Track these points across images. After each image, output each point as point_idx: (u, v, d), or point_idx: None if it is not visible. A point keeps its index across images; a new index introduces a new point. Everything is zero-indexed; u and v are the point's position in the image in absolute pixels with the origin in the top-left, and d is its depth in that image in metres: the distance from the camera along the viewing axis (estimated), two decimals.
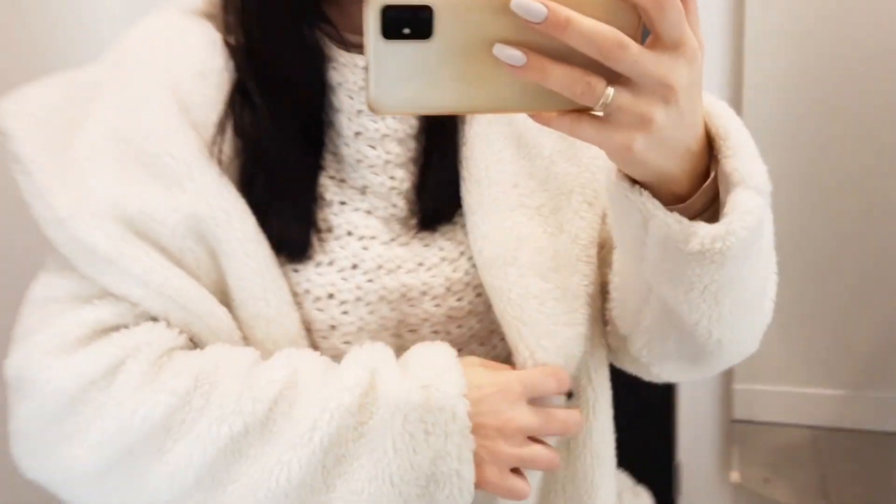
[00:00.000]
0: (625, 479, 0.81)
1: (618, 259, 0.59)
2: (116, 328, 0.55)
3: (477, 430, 0.52)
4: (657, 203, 0.45)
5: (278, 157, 0.57)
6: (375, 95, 0.40)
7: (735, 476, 1.59)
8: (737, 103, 1.37)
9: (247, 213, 0.56)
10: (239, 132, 0.57)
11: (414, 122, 0.58)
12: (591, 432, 0.64)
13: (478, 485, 0.52)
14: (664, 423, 1.57)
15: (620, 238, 0.53)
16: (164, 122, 0.55)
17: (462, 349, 0.60)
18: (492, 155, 0.58)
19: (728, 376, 1.52)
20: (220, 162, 0.56)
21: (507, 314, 0.57)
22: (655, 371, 0.62)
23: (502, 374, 0.55)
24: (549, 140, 0.60)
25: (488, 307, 0.59)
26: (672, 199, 0.45)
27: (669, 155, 0.43)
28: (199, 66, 0.57)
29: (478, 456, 0.52)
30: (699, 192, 0.46)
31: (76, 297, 0.55)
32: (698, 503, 1.61)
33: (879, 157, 1.28)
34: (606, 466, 0.67)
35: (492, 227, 0.57)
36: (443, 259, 0.59)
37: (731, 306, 0.50)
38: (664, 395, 1.55)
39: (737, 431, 1.55)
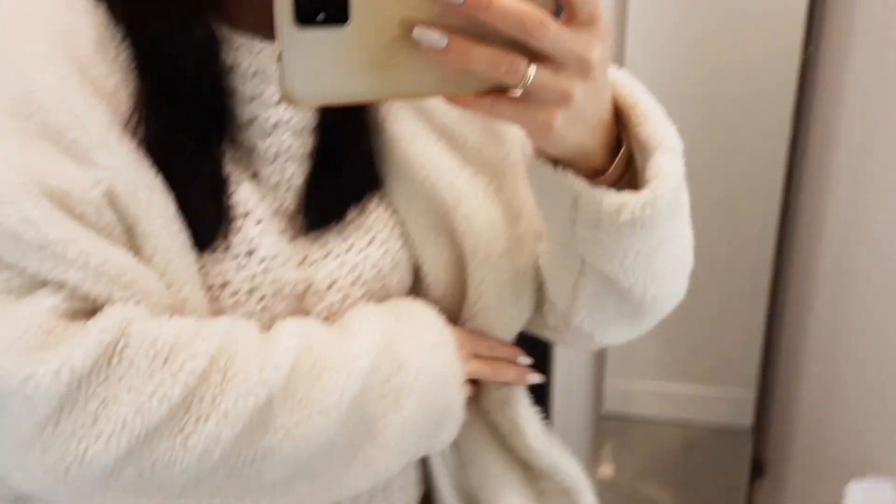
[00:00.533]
0: None
1: (547, 239, 0.57)
2: (75, 314, 0.49)
3: None
4: (583, 181, 0.45)
5: (172, 144, 0.52)
6: (290, 86, 0.37)
7: (608, 471, 1.61)
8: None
9: (166, 192, 0.51)
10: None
11: (310, 115, 0.55)
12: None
13: None
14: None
15: (549, 218, 0.53)
16: (65, 94, 0.49)
17: None
18: (417, 151, 0.56)
19: (599, 371, 1.54)
20: (135, 137, 0.51)
21: (467, 301, 0.59)
22: (598, 338, 0.61)
23: (457, 330, 0.58)
24: (471, 129, 0.57)
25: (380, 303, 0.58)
26: (590, 174, 0.46)
27: (587, 129, 0.43)
28: (97, 34, 0.51)
29: None
30: (615, 162, 0.47)
31: (9, 290, 0.48)
32: None
33: (736, 152, 1.30)
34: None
35: (442, 221, 0.56)
36: (327, 255, 0.56)
37: (663, 263, 0.52)
38: (537, 392, 1.56)
39: (610, 427, 1.58)
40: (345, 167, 0.56)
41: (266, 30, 0.51)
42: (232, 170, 0.54)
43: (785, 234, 1.18)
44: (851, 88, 1.03)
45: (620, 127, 0.47)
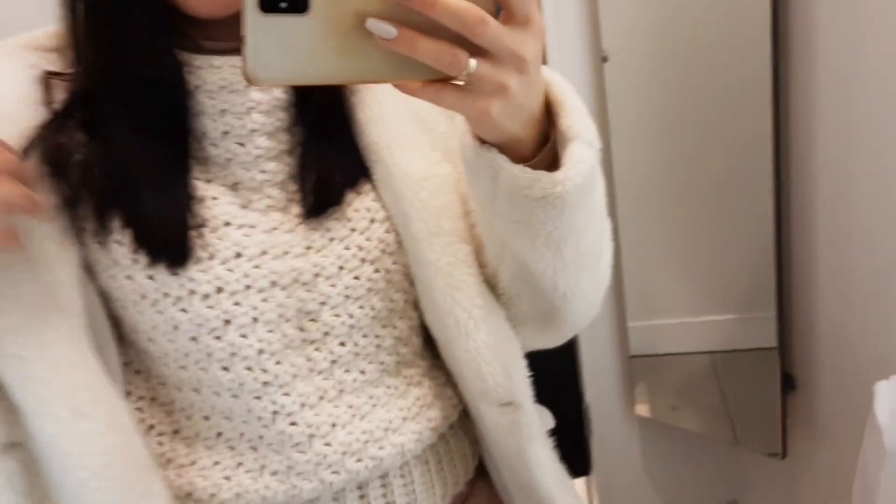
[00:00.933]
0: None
1: (477, 220, 0.61)
2: None
3: None
4: (505, 158, 0.49)
5: (139, 168, 0.55)
6: (252, 67, 0.41)
7: (643, 409, 1.66)
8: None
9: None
10: (95, 148, 0.55)
11: (283, 116, 0.58)
12: None
13: None
14: (569, 372, 1.62)
15: (475, 195, 0.56)
16: None
17: (367, 333, 0.61)
18: (391, 133, 0.60)
19: (622, 315, 1.58)
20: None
21: (438, 282, 0.58)
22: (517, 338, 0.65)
23: None
24: (441, 120, 0.62)
25: (388, 283, 0.60)
26: (518, 161, 0.50)
27: (519, 120, 0.47)
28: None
29: None
30: (542, 153, 0.51)
31: None
32: (609, 440, 1.68)
33: (726, 103, 1.35)
34: None
35: (409, 204, 0.58)
36: (331, 239, 0.59)
37: (571, 255, 0.55)
38: (565, 346, 1.60)
39: (638, 367, 1.63)
40: (331, 157, 0.59)
41: (224, 46, 0.55)
42: (210, 187, 0.57)
43: (780, 156, 1.22)
44: None
45: (549, 122, 0.51)
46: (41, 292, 0.52)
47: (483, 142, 0.50)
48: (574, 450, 1.67)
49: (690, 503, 1.73)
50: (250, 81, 0.41)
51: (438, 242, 0.59)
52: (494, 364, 0.60)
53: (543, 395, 1.70)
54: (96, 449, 0.53)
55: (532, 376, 0.87)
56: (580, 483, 1.78)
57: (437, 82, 0.44)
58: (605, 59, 1.42)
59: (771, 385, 1.32)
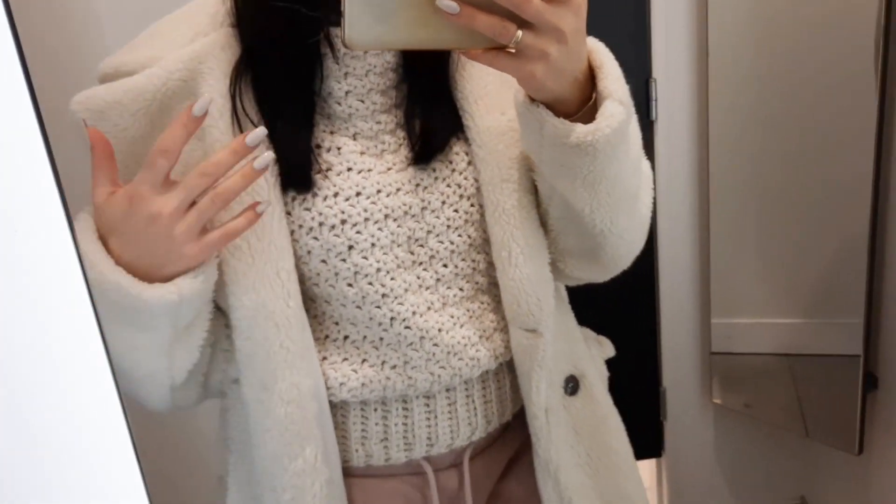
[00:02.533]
0: (588, 331, 0.93)
1: (533, 167, 0.71)
2: None
3: None
4: (549, 112, 0.60)
5: (284, 115, 0.66)
6: (349, 35, 0.53)
7: (719, 399, 1.70)
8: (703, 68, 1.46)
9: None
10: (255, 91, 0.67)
11: (392, 76, 0.69)
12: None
13: None
14: (649, 357, 1.68)
15: (526, 144, 0.66)
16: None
17: (465, 258, 0.72)
18: (480, 90, 0.70)
19: (706, 312, 1.62)
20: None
21: (502, 221, 0.69)
22: (561, 266, 0.76)
23: None
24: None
25: (481, 216, 0.71)
26: (564, 116, 0.60)
27: (562, 81, 0.58)
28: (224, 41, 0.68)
29: None
30: (583, 110, 0.61)
31: None
32: (683, 424, 1.73)
33: (827, 104, 1.36)
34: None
35: (488, 152, 0.69)
36: (436, 179, 0.70)
37: (605, 196, 0.65)
38: (648, 333, 1.66)
39: (719, 363, 1.67)
40: (432, 109, 0.70)
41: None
42: (335, 138, 0.69)
43: (881, 160, 1.24)
44: None
45: (593, 87, 0.61)
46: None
47: (532, 100, 0.60)
48: (648, 431, 1.73)
49: (758, 494, 1.76)
50: (347, 46, 0.53)
51: (507, 188, 0.69)
52: (531, 294, 0.70)
53: (623, 372, 1.77)
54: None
55: (612, 360, 0.96)
56: (651, 464, 1.84)
57: (492, 50, 0.55)
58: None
59: (850, 385, 1.35)
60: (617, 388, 1.47)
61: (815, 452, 1.64)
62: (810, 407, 1.52)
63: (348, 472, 0.74)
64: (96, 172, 0.59)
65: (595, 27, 1.67)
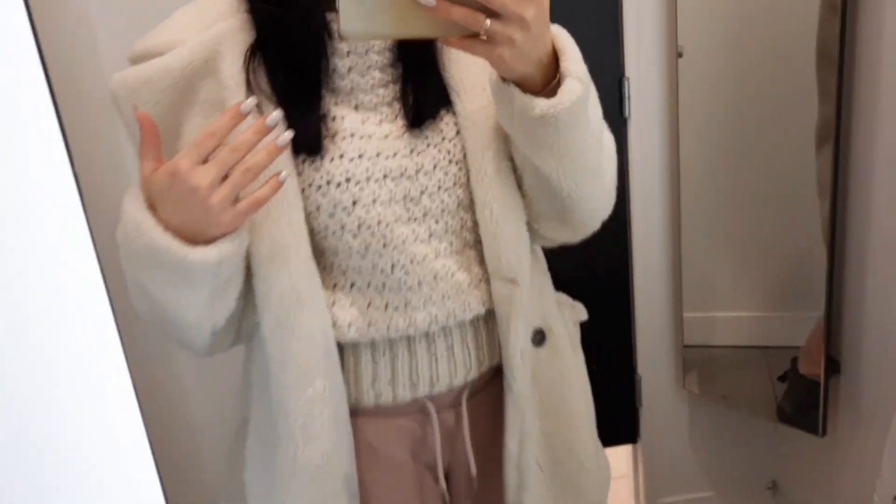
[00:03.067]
0: (564, 296, 1.02)
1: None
2: None
3: None
4: (517, 89, 0.69)
5: (289, 96, 0.76)
6: (343, 28, 0.63)
7: (693, 387, 1.75)
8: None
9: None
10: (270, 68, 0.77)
11: (389, 55, 0.79)
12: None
13: None
14: (625, 347, 1.73)
15: (500, 117, 0.76)
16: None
17: (454, 216, 0.81)
18: (463, 71, 0.80)
19: (678, 306, 1.68)
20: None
21: (484, 184, 0.79)
22: (535, 227, 0.85)
23: None
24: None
25: (467, 179, 0.81)
26: (532, 93, 0.69)
27: (527, 63, 0.67)
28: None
29: None
30: (548, 88, 0.70)
31: None
32: (658, 411, 1.78)
33: (795, 103, 1.41)
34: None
35: (472, 123, 0.79)
36: (428, 145, 0.80)
37: (570, 163, 0.75)
38: (623, 322, 1.71)
39: (689, 354, 1.72)
40: (423, 85, 0.80)
41: None
42: (339, 108, 0.79)
43: (840, 158, 1.30)
44: None
45: (556, 65, 0.70)
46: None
47: (504, 79, 0.70)
48: (625, 418, 1.79)
49: (732, 478, 1.83)
50: (343, 37, 0.65)
51: (487, 155, 0.79)
52: (510, 249, 0.80)
53: (598, 362, 1.82)
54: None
55: (591, 343, 1.03)
56: (627, 449, 1.89)
57: (466, 38, 0.65)
58: (679, 55, 1.51)
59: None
60: (593, 377, 1.52)
61: (786, 438, 1.71)
62: (780, 395, 1.58)
63: (360, 412, 0.84)
64: (144, 149, 0.68)
65: (569, 27, 1.74)
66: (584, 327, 1.11)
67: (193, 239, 0.68)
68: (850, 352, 1.40)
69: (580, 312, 1.02)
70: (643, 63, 1.55)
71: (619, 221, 1.65)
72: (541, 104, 0.68)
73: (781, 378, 1.54)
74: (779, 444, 1.76)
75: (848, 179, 1.32)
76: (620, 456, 1.98)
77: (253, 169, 0.67)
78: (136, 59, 0.76)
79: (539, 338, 0.88)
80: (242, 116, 0.67)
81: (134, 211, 0.69)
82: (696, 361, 1.72)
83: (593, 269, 1.65)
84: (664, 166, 1.62)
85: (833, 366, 1.42)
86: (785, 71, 1.40)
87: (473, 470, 0.89)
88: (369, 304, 0.81)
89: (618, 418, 1.80)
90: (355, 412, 0.84)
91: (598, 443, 1.02)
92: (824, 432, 1.43)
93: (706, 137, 1.54)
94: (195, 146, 0.66)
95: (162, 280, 0.71)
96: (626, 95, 1.56)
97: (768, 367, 1.63)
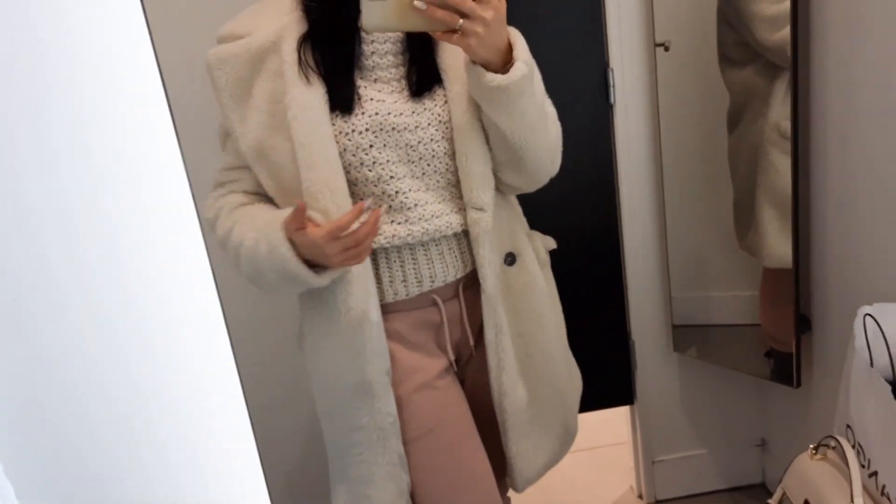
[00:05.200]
0: (536, 232, 1.27)
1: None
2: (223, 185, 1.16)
3: None
4: (483, 69, 0.98)
5: (332, 72, 1.05)
6: (364, 23, 0.92)
7: (679, 353, 1.89)
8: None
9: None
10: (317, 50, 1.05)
11: (399, 45, 1.08)
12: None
13: None
14: (618, 316, 1.87)
15: (470, 89, 1.03)
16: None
17: (441, 161, 1.08)
18: (451, 58, 1.08)
19: (666, 288, 1.82)
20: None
21: (463, 138, 1.07)
22: (499, 175, 1.11)
23: None
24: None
25: (451, 135, 1.08)
26: (493, 72, 0.98)
27: (489, 51, 0.96)
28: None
29: None
30: (504, 69, 0.99)
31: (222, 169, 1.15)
32: (651, 373, 1.92)
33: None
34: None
35: (455, 95, 1.07)
36: (425, 109, 1.07)
37: (519, 121, 1.03)
38: (617, 311, 1.85)
39: (680, 333, 1.85)
40: (424, 64, 1.08)
41: None
42: (364, 80, 1.07)
43: (799, 150, 1.43)
44: None
45: (511, 54, 0.99)
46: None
47: (473, 62, 0.98)
48: (621, 382, 1.93)
49: (723, 437, 1.97)
50: (364, 30, 0.97)
51: (465, 117, 1.06)
52: (479, 186, 1.09)
53: (594, 327, 1.97)
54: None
55: (581, 315, 1.24)
56: (626, 415, 2.03)
57: (447, 32, 0.93)
58: (666, 49, 1.64)
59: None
60: (591, 344, 1.64)
61: (773, 397, 1.84)
62: (763, 355, 1.70)
63: (390, 309, 1.13)
64: (295, 217, 0.98)
65: (557, 25, 1.94)
66: (580, 296, 1.25)
67: (313, 265, 1.02)
68: (819, 309, 1.53)
69: (550, 243, 1.27)
70: (626, 54, 1.69)
71: (608, 200, 1.80)
72: (497, 78, 0.97)
73: (767, 354, 1.66)
74: (766, 404, 1.90)
75: (808, 136, 1.46)
76: (620, 422, 2.13)
77: (363, 251, 0.99)
78: (223, 40, 1.07)
79: (510, 259, 1.17)
80: (361, 212, 0.96)
81: (277, 241, 1.00)
82: (684, 336, 1.85)
83: (588, 240, 1.79)
84: (649, 151, 1.76)
85: (804, 322, 1.56)
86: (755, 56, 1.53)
87: (472, 341, 1.18)
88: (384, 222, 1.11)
89: (615, 381, 1.94)
90: (387, 310, 1.12)
91: (570, 354, 1.30)
92: (798, 384, 1.56)
93: (684, 124, 1.67)
94: (333, 232, 0.96)
95: (280, 283, 1.04)
96: (612, 84, 1.70)
97: (749, 338, 1.73)
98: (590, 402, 1.76)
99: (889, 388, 1.11)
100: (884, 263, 1.29)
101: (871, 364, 1.18)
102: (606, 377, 1.92)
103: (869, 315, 1.19)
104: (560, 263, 1.36)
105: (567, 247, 1.29)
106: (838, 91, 1.34)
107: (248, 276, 1.08)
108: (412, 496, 1.15)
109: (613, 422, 2.21)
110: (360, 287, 1.08)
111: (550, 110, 1.12)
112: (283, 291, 1.07)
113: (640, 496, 2.04)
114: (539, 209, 1.32)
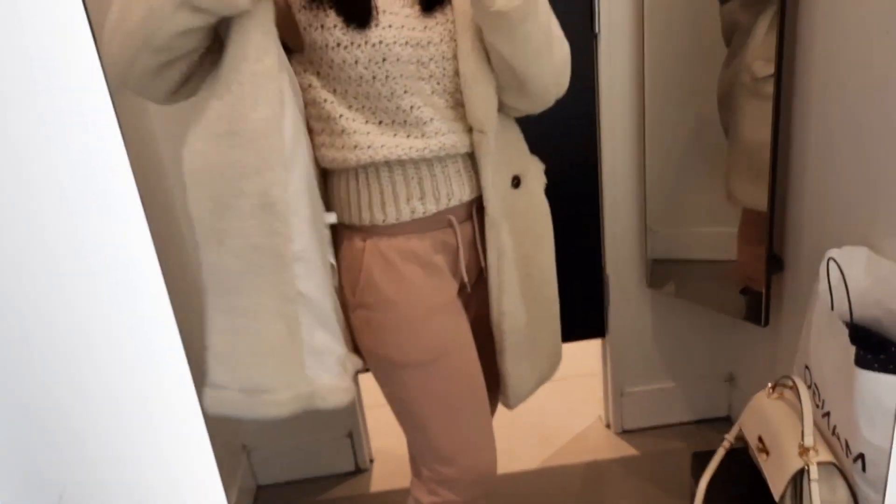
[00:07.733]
0: (534, 156, 1.28)
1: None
2: None
3: None
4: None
5: None
6: None
7: (654, 289, 1.90)
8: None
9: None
10: None
11: None
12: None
13: None
14: (594, 250, 1.88)
15: (475, 17, 1.03)
16: None
17: (451, 79, 1.09)
18: None
19: (642, 224, 1.81)
20: None
21: (468, 60, 1.08)
22: (503, 98, 1.12)
23: None
24: None
25: (460, 52, 1.09)
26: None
27: None
28: None
29: None
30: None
31: None
32: (624, 309, 1.94)
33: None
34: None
35: (460, 15, 1.08)
36: (436, 23, 1.08)
37: (522, 47, 1.03)
38: (592, 246, 1.85)
39: (656, 268, 1.86)
40: None
41: None
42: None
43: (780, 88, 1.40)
44: None
45: None
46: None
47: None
48: (594, 315, 1.95)
49: (692, 371, 2.00)
50: None
51: (468, 37, 1.07)
52: (481, 108, 1.09)
53: (569, 259, 1.97)
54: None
55: (562, 245, 1.22)
56: (597, 347, 2.06)
57: None
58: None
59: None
60: (565, 276, 1.65)
61: (741, 333, 1.87)
62: (731, 287, 1.71)
63: (405, 229, 1.13)
64: None
65: None
66: (556, 227, 1.25)
67: None
68: (792, 249, 1.54)
69: (542, 165, 1.30)
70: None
71: (589, 131, 1.77)
72: (497, 3, 0.98)
73: (742, 291, 1.67)
74: (736, 340, 1.92)
75: (793, 77, 1.43)
76: (592, 354, 2.16)
77: None
78: None
79: (516, 182, 1.18)
80: None
81: None
82: (658, 269, 1.86)
83: (565, 173, 1.78)
84: (631, 83, 1.72)
85: (777, 263, 1.57)
86: None
87: (482, 262, 1.20)
88: (395, 135, 1.10)
89: (588, 314, 1.96)
90: (405, 230, 1.13)
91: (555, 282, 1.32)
92: (766, 322, 1.58)
93: (672, 55, 1.63)
94: None
95: (184, 19, 0.90)
96: (597, 13, 1.65)
97: (720, 275, 1.74)
98: (563, 333, 1.78)
99: (847, 331, 1.11)
100: (857, 206, 1.28)
101: (832, 307, 1.19)
102: (579, 309, 1.93)
103: (832, 259, 1.19)
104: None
105: (545, 176, 1.28)
106: (823, 34, 1.31)
107: (132, 35, 0.92)
108: (406, 416, 1.17)
109: (584, 353, 2.25)
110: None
111: (558, 32, 1.10)
112: (178, 43, 0.94)
113: (608, 426, 2.09)
114: None
